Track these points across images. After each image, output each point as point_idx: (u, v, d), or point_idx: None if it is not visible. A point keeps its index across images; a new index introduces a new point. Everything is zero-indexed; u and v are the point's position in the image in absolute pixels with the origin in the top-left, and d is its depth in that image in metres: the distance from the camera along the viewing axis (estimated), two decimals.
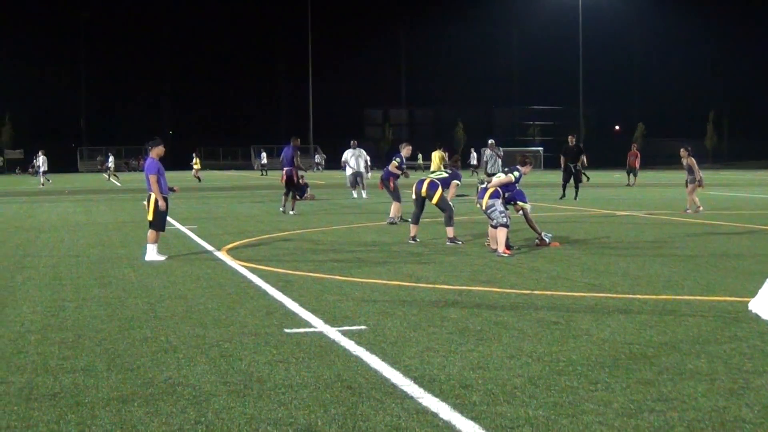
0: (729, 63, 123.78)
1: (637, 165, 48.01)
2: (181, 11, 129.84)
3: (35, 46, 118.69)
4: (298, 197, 27.31)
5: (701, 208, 25.64)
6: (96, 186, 56.33)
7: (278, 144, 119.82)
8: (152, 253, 15.44)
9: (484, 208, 15.90)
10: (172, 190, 16.10)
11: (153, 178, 15.50)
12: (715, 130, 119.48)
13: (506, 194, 16.06)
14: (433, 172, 19.42)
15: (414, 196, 18.08)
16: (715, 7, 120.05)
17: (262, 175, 78.47)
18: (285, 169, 26.89)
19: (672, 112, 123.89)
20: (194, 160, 64.31)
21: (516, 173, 16.14)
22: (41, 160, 59.60)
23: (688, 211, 25.45)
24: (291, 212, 26.41)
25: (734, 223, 22.13)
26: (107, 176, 70.72)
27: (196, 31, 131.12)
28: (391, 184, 22.20)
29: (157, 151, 15.79)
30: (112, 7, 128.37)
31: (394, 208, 22.53)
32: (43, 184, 56.10)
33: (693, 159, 26.45)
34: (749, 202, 31.32)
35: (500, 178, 16.19)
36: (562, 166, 33.72)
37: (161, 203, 15.45)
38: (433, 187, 17.68)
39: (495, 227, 15.64)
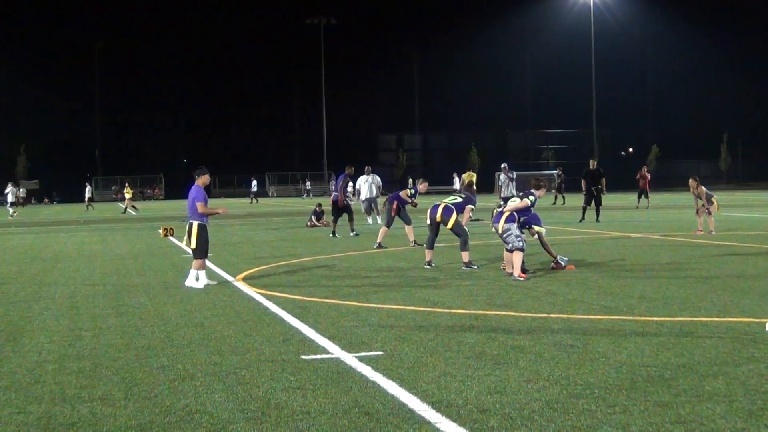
0: (742, 84, 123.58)
1: (648, 187, 47.93)
2: (196, 41, 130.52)
3: (50, 77, 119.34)
4: (327, 223, 28.49)
5: (701, 232, 25.58)
6: (111, 216, 56.49)
7: (293, 171, 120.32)
8: (203, 279, 15.54)
9: (499, 232, 15.91)
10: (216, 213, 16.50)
11: (201, 205, 15.70)
12: (729, 151, 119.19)
13: (522, 218, 16.08)
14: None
15: (428, 222, 18.11)
16: (728, 28, 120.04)
17: (251, 202, 78.26)
18: (333, 194, 29.28)
19: (686, 133, 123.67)
20: (125, 189, 64.11)
21: (531, 197, 16.17)
22: (10, 191, 59.45)
23: (712, 232, 25.39)
24: (352, 233, 27.77)
25: (750, 243, 22.06)
26: (86, 206, 69.54)
27: (210, 60, 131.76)
28: (394, 207, 22.75)
29: (203, 180, 16.03)
30: (127, 37, 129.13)
31: (381, 232, 23.23)
32: (11, 216, 55.35)
33: (703, 188, 26.46)
34: (765, 223, 31.21)
35: (516, 202, 16.21)
36: (584, 189, 33.85)
37: (223, 210, 17.07)
38: (447, 212, 17.69)
39: (510, 251, 15.65)
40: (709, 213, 26.05)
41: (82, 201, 70.77)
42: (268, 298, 13.82)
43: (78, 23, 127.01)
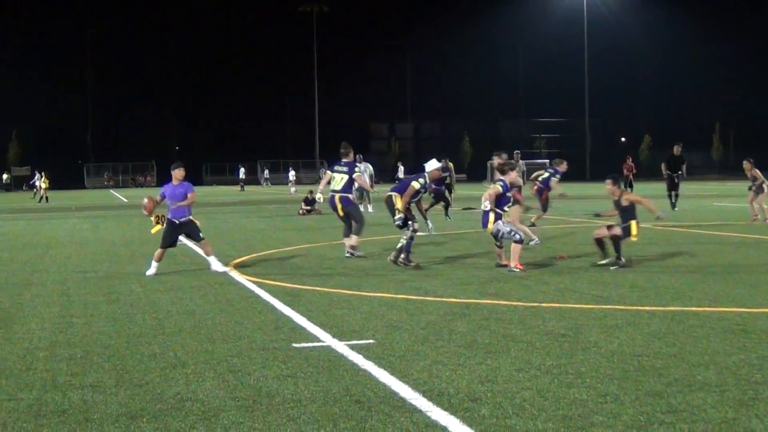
0: (734, 73, 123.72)
1: (632, 177, 48.49)
2: (189, 27, 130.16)
3: (42, 63, 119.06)
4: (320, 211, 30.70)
5: (757, 219, 25.81)
6: (103, 202, 56.40)
7: (285, 159, 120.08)
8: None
9: (492, 232, 15.67)
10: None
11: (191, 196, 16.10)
12: (721, 141, 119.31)
13: (506, 206, 15.86)
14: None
15: (336, 213, 18.22)
16: (722, 18, 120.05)
17: (240, 190, 77.97)
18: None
19: (678, 122, 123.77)
20: (42, 179, 62.67)
21: (500, 183, 15.79)
22: None
23: (757, 219, 25.67)
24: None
25: (742, 233, 22.09)
26: (33, 195, 67.05)
27: (203, 47, 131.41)
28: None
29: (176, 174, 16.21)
30: (119, 22, 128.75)
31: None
32: None
33: (757, 171, 26.56)
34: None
35: (489, 191, 15.85)
36: (665, 175, 33.52)
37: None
38: (346, 202, 17.92)
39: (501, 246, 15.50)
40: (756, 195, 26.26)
41: (78, 187, 70.02)
42: (260, 285, 13.81)
43: (71, 9, 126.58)
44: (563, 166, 22.88)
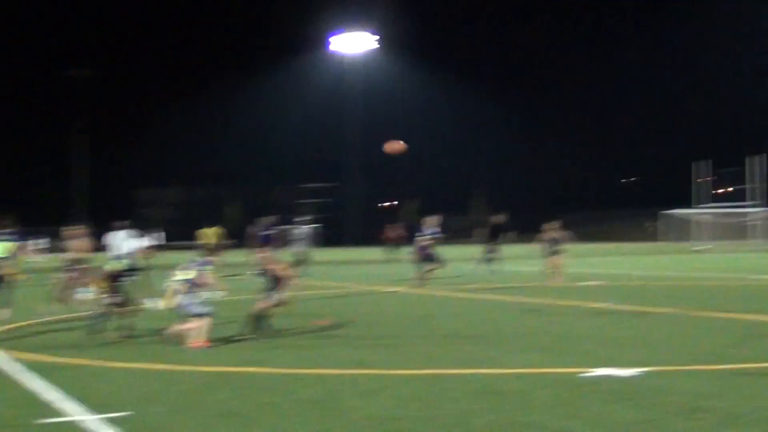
0: (491, 141, 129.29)
1: (400, 241, 50.08)
2: None
3: None
4: None
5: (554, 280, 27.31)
6: None
7: (45, 226, 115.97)
8: None
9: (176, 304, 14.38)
10: None
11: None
12: (481, 205, 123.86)
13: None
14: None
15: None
16: (480, 87, 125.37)
17: None
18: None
19: (442, 187, 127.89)
20: None
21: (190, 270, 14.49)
22: None
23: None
24: None
25: (495, 296, 22.88)
26: None
27: None
28: None
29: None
30: None
31: None
32: None
33: (563, 233, 28.01)
34: (508, 276, 32.44)
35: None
36: (486, 241, 33.67)
37: None
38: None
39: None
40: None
41: None
42: (11, 358, 13.16)
43: None
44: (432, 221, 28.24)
